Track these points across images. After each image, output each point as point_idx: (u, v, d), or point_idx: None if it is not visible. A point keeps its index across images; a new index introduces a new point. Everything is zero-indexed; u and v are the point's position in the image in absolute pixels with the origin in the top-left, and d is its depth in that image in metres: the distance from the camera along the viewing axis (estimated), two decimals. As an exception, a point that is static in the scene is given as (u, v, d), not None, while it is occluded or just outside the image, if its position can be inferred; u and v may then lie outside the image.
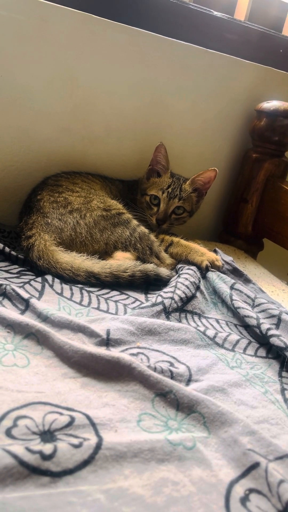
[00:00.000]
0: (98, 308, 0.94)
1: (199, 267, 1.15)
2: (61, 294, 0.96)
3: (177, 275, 1.10)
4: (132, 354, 0.77)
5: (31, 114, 1.27)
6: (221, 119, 1.57)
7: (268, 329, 0.90)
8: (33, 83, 1.24)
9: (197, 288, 1.05)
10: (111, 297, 1.00)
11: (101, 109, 1.36)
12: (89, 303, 0.95)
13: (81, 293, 0.98)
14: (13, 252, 1.08)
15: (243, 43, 1.60)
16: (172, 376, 0.73)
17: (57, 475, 0.50)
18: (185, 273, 1.08)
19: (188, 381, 0.74)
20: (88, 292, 0.99)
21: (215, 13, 1.53)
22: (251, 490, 0.55)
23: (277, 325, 0.97)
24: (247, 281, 1.20)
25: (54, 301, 0.93)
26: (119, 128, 1.41)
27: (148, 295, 1.05)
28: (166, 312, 0.94)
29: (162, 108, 1.45)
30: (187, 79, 1.45)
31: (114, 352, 0.72)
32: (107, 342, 0.79)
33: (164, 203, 1.30)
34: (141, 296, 1.03)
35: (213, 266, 1.16)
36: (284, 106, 1.45)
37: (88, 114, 1.35)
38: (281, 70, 1.61)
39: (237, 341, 0.91)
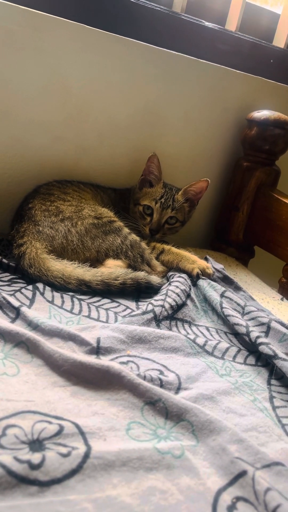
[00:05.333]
0: (89, 316, 0.94)
1: (190, 274, 1.16)
2: (52, 302, 0.96)
3: (168, 282, 1.11)
4: (122, 363, 0.78)
5: (24, 123, 1.28)
6: (212, 128, 1.58)
7: (257, 337, 0.91)
8: (27, 92, 1.25)
9: (188, 296, 1.06)
10: (102, 305, 1.00)
11: (94, 117, 1.37)
12: (80, 311, 0.96)
13: (72, 301, 0.98)
14: (4, 260, 1.08)
15: (234, 54, 1.62)
16: (161, 384, 0.74)
17: (45, 485, 0.51)
18: (176, 281, 1.09)
19: (178, 389, 0.75)
20: (79, 300, 1.00)
21: (207, 23, 1.55)
22: (238, 498, 0.55)
23: (266, 333, 0.98)
24: (237, 288, 1.21)
25: (45, 309, 0.93)
26: (111, 137, 1.42)
27: (139, 303, 1.05)
28: (157, 320, 0.95)
29: (155, 117, 1.46)
30: (179, 88, 1.46)
31: (104, 361, 0.73)
32: (97, 350, 0.79)
33: (157, 213, 1.31)
34: (132, 304, 1.04)
35: (203, 273, 1.17)
36: (275, 116, 1.46)
37: (81, 123, 1.36)
38: (272, 80, 1.63)
39: (227, 349, 0.91)
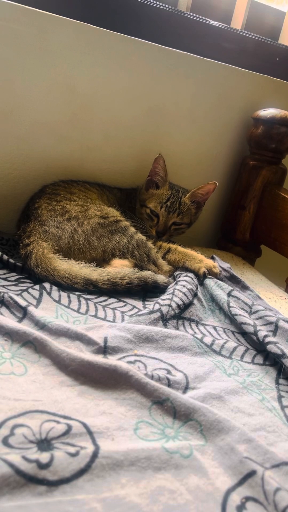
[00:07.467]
0: (95, 316, 0.94)
1: (196, 274, 1.16)
2: (58, 301, 0.96)
3: (175, 282, 1.10)
4: (130, 362, 0.78)
5: (30, 123, 1.28)
6: (218, 127, 1.58)
7: (265, 336, 0.90)
8: (32, 92, 1.25)
9: (195, 295, 1.05)
10: (109, 304, 1.00)
11: (99, 117, 1.37)
12: (87, 310, 0.95)
13: (79, 301, 0.98)
14: (11, 260, 1.08)
15: (239, 52, 1.62)
16: (169, 384, 0.73)
17: (53, 484, 0.50)
18: (183, 280, 1.09)
19: (185, 388, 0.75)
20: (86, 299, 0.99)
21: (212, 22, 1.55)
22: (247, 498, 0.55)
23: (274, 332, 0.97)
24: (244, 288, 1.21)
25: (52, 309, 0.93)
26: (117, 136, 1.42)
27: (146, 302, 1.05)
28: (164, 319, 0.95)
29: (160, 116, 1.46)
30: (184, 87, 1.46)
31: (112, 360, 0.72)
32: (105, 350, 0.79)
33: (163, 217, 1.31)
34: (138, 303, 1.04)
35: (210, 273, 1.17)
36: (281, 114, 1.46)
37: (86, 123, 1.36)
38: (278, 78, 1.62)
39: (234, 348, 0.91)
